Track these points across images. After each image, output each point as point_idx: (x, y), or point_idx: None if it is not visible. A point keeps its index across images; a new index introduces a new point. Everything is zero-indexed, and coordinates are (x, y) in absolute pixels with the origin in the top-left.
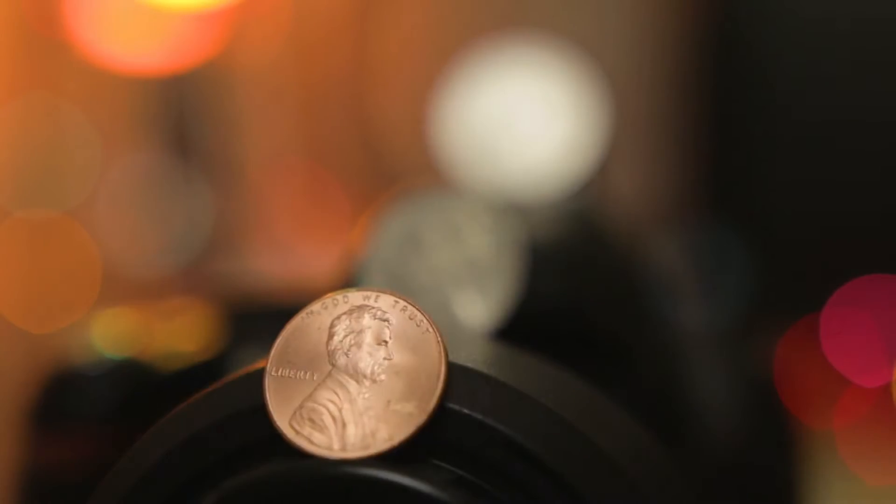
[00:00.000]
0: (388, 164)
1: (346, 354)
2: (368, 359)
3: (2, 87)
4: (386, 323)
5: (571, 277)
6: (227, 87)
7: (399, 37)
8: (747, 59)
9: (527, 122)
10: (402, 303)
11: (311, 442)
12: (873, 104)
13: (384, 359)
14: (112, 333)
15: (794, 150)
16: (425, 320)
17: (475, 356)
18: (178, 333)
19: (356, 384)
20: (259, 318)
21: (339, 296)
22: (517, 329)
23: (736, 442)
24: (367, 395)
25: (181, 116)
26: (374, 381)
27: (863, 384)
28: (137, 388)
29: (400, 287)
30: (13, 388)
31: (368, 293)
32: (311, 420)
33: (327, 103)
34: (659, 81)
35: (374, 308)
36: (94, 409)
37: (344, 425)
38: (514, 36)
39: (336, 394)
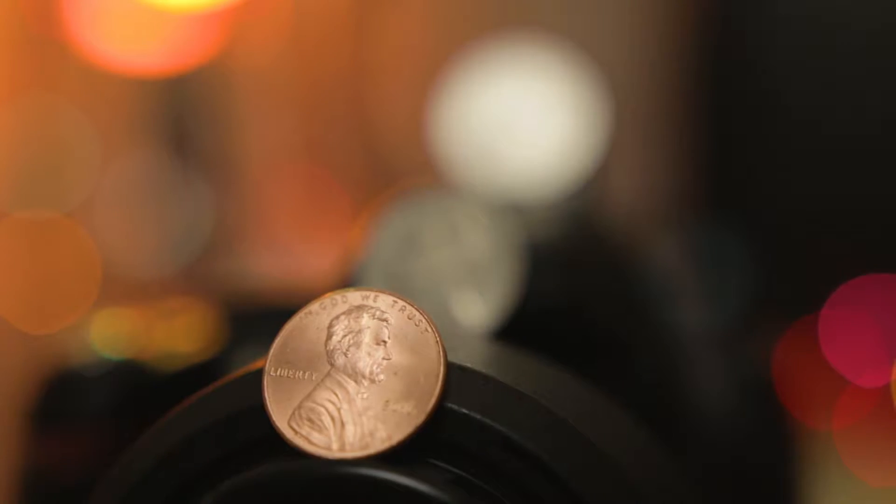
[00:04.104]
0: (387, 165)
1: (345, 354)
2: (367, 358)
3: (2, 87)
4: (385, 323)
5: (570, 277)
6: (227, 87)
7: (399, 36)
8: (747, 56)
9: (526, 122)
10: (400, 303)
11: (309, 442)
12: (873, 102)
13: (383, 359)
14: (111, 334)
15: (793, 149)
16: (424, 320)
17: (474, 356)
18: (176, 334)
19: (355, 384)
20: (257, 318)
21: (337, 295)
22: (516, 329)
23: (735, 441)
24: (365, 395)
25: (181, 117)
26: (372, 381)
27: (862, 384)
28: (136, 389)
29: (399, 287)
30: (12, 389)
31: (367, 293)
32: (310, 420)
33: (327, 103)
34: (657, 80)
35: (372, 308)
36: (93, 409)
37: (343, 425)
38: (513, 35)
39: (335, 394)
